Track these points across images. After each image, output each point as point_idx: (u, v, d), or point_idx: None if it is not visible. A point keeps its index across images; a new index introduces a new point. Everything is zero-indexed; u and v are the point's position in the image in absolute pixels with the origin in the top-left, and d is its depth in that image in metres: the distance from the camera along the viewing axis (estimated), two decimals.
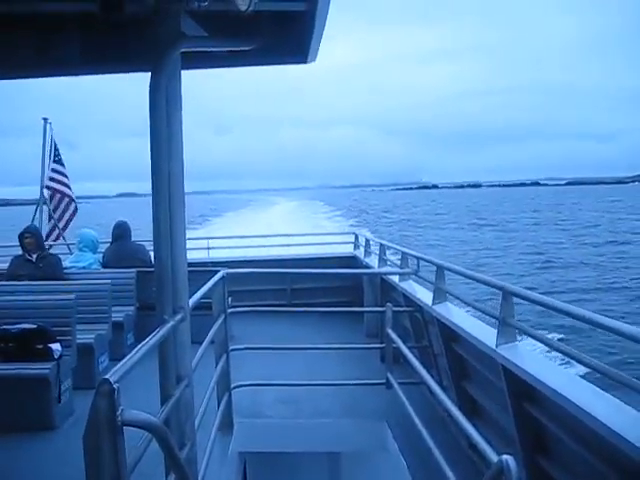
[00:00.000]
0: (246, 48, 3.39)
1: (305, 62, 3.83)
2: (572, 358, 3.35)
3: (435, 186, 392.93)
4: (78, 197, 13.01)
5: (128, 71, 3.72)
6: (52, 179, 12.17)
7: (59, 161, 12.30)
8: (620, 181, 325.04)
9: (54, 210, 12.33)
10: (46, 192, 12.23)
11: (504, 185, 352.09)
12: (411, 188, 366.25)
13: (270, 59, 3.81)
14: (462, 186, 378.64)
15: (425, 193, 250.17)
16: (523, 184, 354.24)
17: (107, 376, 1.91)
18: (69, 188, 12.47)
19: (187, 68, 3.11)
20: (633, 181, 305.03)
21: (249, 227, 39.06)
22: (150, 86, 2.87)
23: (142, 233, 10.12)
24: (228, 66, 3.85)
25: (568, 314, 3.55)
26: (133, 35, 3.24)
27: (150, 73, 2.89)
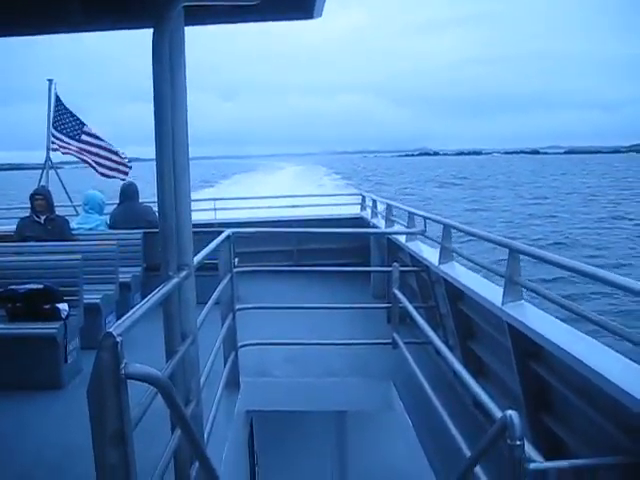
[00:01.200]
0: (251, 3, 3.32)
1: (311, 17, 3.76)
2: (578, 315, 3.32)
3: (436, 153, 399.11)
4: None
5: (130, 27, 3.66)
6: (83, 148, 11.93)
7: (76, 126, 12.00)
8: (617, 150, 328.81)
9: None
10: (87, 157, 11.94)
11: (504, 152, 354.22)
12: (412, 155, 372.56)
13: (275, 14, 3.73)
14: (462, 153, 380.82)
15: (424, 159, 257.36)
16: (523, 152, 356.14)
17: (110, 330, 1.90)
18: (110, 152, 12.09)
19: (190, 24, 3.05)
20: (629, 150, 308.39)
21: (256, 189, 39.27)
22: (153, 42, 2.82)
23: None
24: (232, 22, 3.78)
25: (575, 271, 3.53)
26: None
27: (152, 29, 2.84)
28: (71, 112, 12.05)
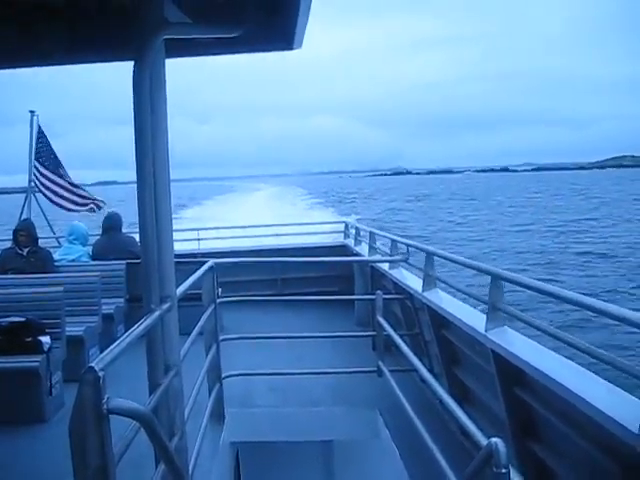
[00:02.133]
0: (231, 35, 3.35)
1: (291, 49, 3.80)
2: (561, 341, 3.34)
3: (409, 172, 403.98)
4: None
5: (112, 60, 3.68)
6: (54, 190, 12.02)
7: (53, 163, 12.09)
8: (581, 167, 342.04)
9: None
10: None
11: (475, 171, 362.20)
12: (385, 174, 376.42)
13: (256, 46, 3.76)
14: (434, 172, 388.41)
15: (396, 179, 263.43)
16: (492, 170, 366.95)
17: (92, 364, 1.89)
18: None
19: (171, 56, 3.08)
20: (592, 167, 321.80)
21: (234, 212, 39.74)
22: (134, 74, 2.84)
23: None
24: (213, 54, 3.81)
25: (559, 298, 3.55)
26: (117, 23, 3.20)
27: (134, 61, 2.86)
28: (52, 149, 12.10)
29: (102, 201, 12.19)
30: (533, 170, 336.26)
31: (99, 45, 3.31)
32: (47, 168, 11.96)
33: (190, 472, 3.55)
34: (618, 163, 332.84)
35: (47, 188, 11.96)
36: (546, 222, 48.94)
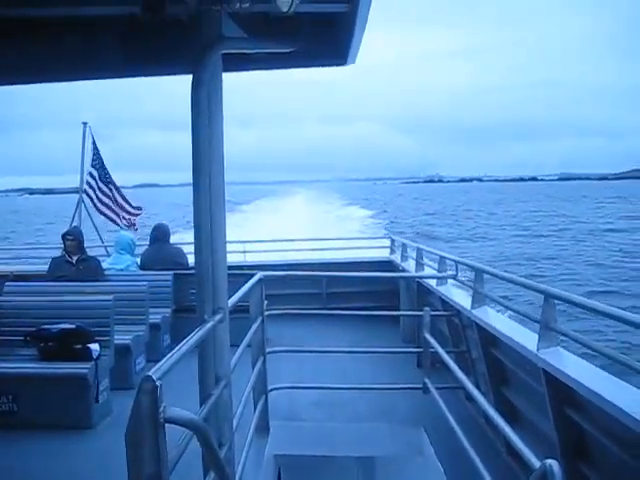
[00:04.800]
0: (286, 50, 3.38)
1: (344, 64, 3.82)
2: (616, 361, 3.27)
3: (440, 180, 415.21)
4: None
5: (170, 73, 3.75)
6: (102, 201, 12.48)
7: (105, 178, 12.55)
8: (604, 177, 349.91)
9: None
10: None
11: (503, 180, 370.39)
12: (417, 182, 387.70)
13: (309, 61, 3.80)
14: (464, 180, 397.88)
15: (427, 186, 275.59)
16: (522, 179, 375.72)
17: (149, 373, 1.91)
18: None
19: (227, 70, 3.12)
20: (615, 178, 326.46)
21: (274, 216, 40.25)
22: (192, 87, 2.89)
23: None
24: (268, 68, 3.85)
25: (612, 317, 3.48)
26: (174, 37, 3.26)
27: (192, 75, 2.91)
28: (102, 161, 12.52)
29: (139, 208, 12.90)
30: (558, 180, 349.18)
31: (157, 59, 3.37)
32: (100, 180, 12.38)
33: None
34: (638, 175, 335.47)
35: (99, 200, 12.40)
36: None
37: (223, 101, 3.07)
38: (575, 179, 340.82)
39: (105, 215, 12.53)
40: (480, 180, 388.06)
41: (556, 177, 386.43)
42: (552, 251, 38.65)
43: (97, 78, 3.73)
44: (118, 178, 12.81)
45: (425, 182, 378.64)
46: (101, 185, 12.42)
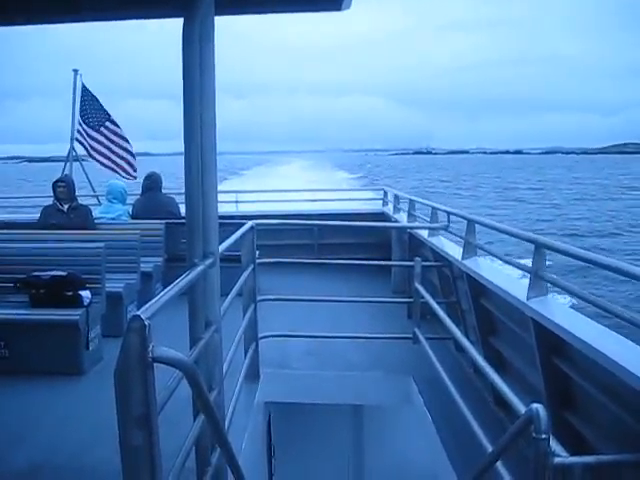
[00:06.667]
0: None
1: (340, 9, 3.74)
2: (605, 310, 3.28)
3: (429, 152, 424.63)
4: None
5: (160, 17, 3.65)
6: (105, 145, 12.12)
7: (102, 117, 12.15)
8: (585, 152, 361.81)
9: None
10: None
11: (490, 152, 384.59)
12: (407, 153, 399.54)
13: (303, 5, 3.71)
14: (453, 152, 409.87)
15: (416, 158, 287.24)
16: (507, 152, 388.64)
17: (138, 312, 1.90)
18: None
19: (220, 14, 3.04)
20: (596, 153, 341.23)
21: (271, 181, 40.29)
22: (183, 31, 2.81)
23: None
24: (261, 12, 3.75)
25: (604, 266, 3.48)
26: None
27: (182, 18, 2.83)
28: (98, 101, 12.11)
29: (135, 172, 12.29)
30: (542, 153, 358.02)
31: (148, 1, 3.29)
32: (93, 128, 12.04)
33: (226, 427, 3.59)
34: (620, 150, 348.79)
35: (94, 150, 12.08)
36: None
37: (215, 46, 3.00)
38: (558, 152, 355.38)
39: (101, 163, 12.16)
40: (466, 152, 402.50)
41: (540, 151, 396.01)
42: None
43: (84, 20, 3.63)
44: None
45: (414, 154, 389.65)
46: (92, 132, 12.10)
